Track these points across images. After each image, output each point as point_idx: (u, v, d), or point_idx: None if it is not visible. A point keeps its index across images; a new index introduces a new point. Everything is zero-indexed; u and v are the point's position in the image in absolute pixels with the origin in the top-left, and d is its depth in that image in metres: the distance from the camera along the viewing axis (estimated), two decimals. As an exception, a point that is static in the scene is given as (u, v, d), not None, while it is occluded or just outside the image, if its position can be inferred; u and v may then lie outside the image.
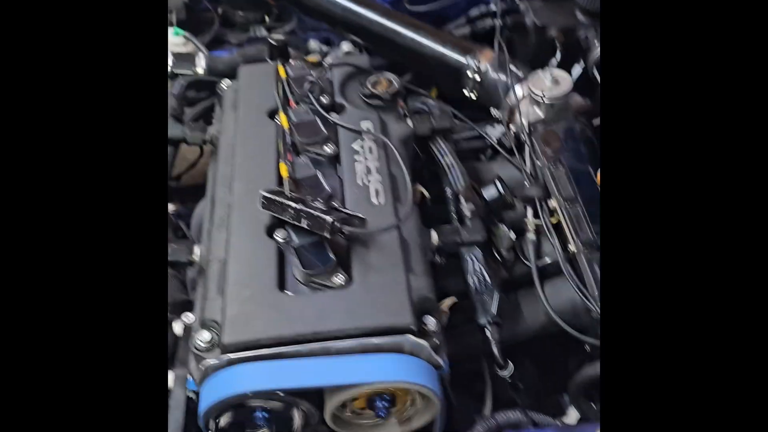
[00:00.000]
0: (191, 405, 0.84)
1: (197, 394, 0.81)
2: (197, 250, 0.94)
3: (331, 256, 0.85)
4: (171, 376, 0.86)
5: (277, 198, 0.87)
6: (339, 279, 0.84)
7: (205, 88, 1.25)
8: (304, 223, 0.85)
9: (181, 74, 1.27)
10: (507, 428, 0.87)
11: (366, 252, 0.87)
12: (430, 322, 0.83)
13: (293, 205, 0.85)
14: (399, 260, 0.86)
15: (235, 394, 0.77)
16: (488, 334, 0.94)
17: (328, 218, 0.83)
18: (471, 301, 0.97)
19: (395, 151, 0.97)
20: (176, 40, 1.46)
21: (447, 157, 1.08)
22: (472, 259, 0.99)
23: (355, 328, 0.80)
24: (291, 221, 0.86)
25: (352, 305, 0.81)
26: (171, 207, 1.08)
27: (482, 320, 0.95)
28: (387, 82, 1.09)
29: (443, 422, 0.87)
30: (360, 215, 0.86)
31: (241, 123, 1.05)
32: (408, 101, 1.35)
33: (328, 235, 0.83)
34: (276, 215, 0.88)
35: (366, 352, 0.80)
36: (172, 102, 1.14)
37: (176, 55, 1.30)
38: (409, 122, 1.09)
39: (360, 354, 0.80)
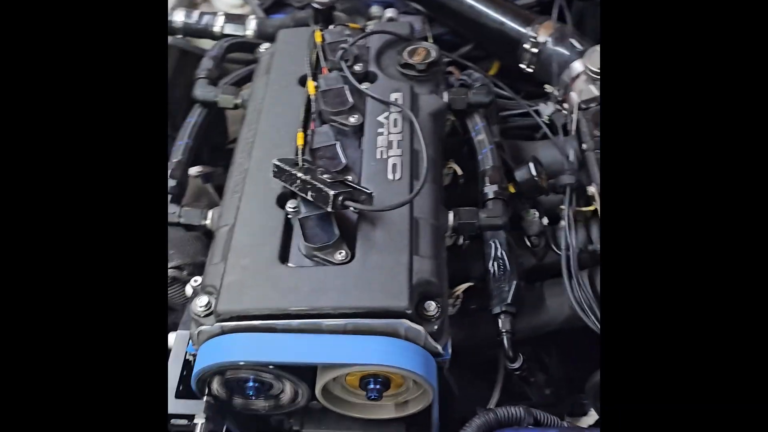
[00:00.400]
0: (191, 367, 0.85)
1: (195, 357, 0.82)
2: (210, 215, 0.94)
3: (336, 230, 0.83)
4: (173, 336, 0.88)
5: (287, 167, 0.85)
6: (341, 255, 0.82)
7: (250, 51, 1.24)
8: (309, 195, 0.83)
9: (229, 35, 1.27)
10: (506, 424, 0.83)
11: (372, 229, 0.84)
12: (431, 307, 0.79)
13: (300, 175, 0.83)
14: (405, 240, 0.82)
15: (225, 362, 0.77)
16: (499, 323, 0.89)
17: (331, 192, 0.80)
18: (488, 288, 0.93)
19: (416, 125, 0.92)
20: (233, 1, 1.46)
21: (480, 134, 1.02)
22: (494, 244, 0.94)
23: (349, 308, 0.77)
24: (298, 192, 0.84)
25: (349, 283, 0.79)
26: (198, 168, 1.09)
27: (496, 309, 0.90)
28: (425, 51, 1.04)
29: (441, 410, 0.84)
30: (367, 190, 0.83)
31: (270, 88, 1.03)
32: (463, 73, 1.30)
33: (330, 209, 0.81)
34: (286, 185, 0.86)
35: (359, 333, 0.77)
36: (209, 63, 1.14)
37: (228, 16, 1.29)
38: (446, 95, 1.04)
39: (352, 334, 0.77)
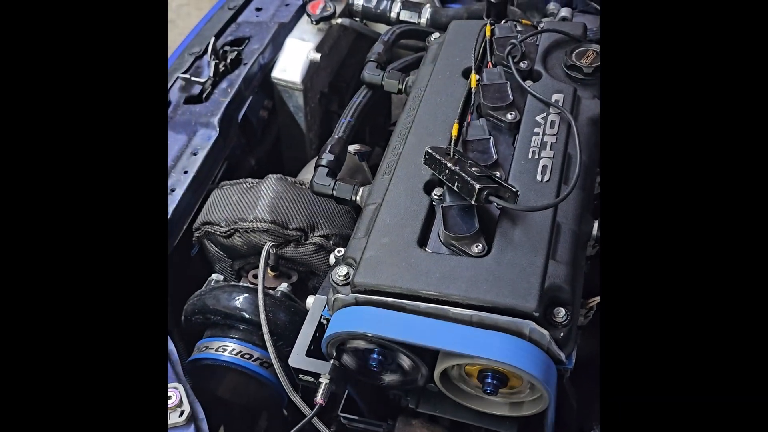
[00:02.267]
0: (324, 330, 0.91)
1: (328, 321, 0.88)
2: (361, 191, 0.99)
3: (476, 223, 0.84)
4: (311, 299, 0.94)
5: (438, 156, 0.88)
6: (477, 248, 0.83)
7: (422, 38, 1.28)
8: (455, 186, 0.85)
9: (404, 22, 1.31)
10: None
11: (512, 227, 0.84)
12: (560, 313, 0.79)
13: (449, 165, 0.85)
14: (544, 243, 0.82)
15: (355, 331, 0.82)
16: (630, 343, 0.86)
17: (477, 185, 0.81)
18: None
19: (574, 129, 0.91)
20: (413, -12, 1.50)
21: (641, 146, 0.98)
22: (638, 261, 0.91)
23: (477, 300, 0.79)
24: (445, 181, 0.87)
25: (480, 276, 0.80)
26: (357, 146, 1.14)
27: (629, 327, 0.87)
28: (593, 54, 1.01)
29: (556, 418, 0.84)
30: (513, 188, 0.83)
31: (434, 77, 1.06)
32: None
33: (473, 202, 0.82)
34: (435, 172, 0.89)
35: (483, 327, 0.79)
36: (379, 48, 1.19)
37: (404, 3, 1.34)
38: (610, 102, 1.01)
39: (477, 327, 0.79)
